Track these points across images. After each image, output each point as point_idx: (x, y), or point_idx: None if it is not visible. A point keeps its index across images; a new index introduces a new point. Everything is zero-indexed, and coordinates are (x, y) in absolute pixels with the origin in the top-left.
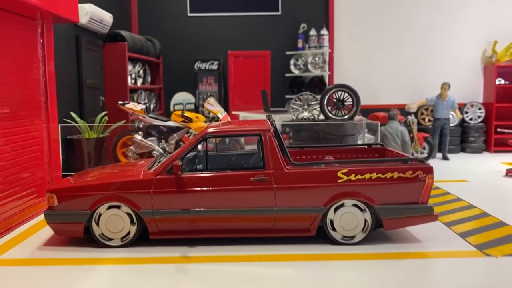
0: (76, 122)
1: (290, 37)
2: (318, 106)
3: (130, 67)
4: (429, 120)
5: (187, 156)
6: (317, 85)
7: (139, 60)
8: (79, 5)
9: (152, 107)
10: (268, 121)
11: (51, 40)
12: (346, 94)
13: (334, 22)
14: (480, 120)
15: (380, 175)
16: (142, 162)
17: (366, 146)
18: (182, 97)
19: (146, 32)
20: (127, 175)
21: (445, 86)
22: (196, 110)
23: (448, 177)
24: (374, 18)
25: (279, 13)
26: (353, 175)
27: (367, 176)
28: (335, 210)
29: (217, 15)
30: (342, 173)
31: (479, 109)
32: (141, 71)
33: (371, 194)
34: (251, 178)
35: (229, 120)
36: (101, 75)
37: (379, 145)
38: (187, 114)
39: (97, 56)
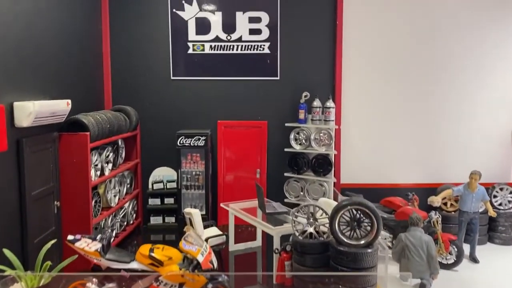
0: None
1: (290, 106)
2: (327, 221)
3: (95, 157)
4: (452, 205)
5: None
6: (322, 164)
7: (108, 143)
8: (22, 103)
9: (125, 189)
10: None
11: None
12: (363, 214)
13: (342, 93)
14: (511, 205)
15: None
16: None
17: None
18: (162, 173)
19: (121, 100)
20: None
21: (475, 176)
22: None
23: None
24: (387, 88)
25: (278, 78)
26: None
27: None
28: None
29: (205, 79)
30: None
31: (510, 192)
32: (111, 155)
33: None
34: None
35: (212, 258)
36: (55, 175)
37: None
38: (156, 254)
39: (50, 153)
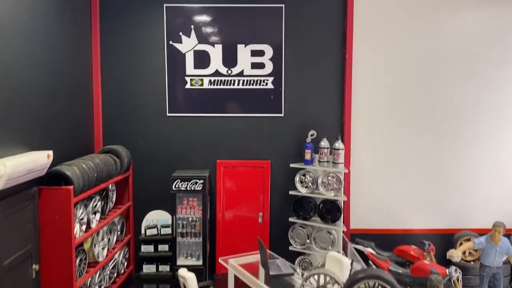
0: None
1: (296, 145)
2: None
3: (80, 211)
4: (470, 254)
5: None
6: (330, 211)
7: (96, 191)
8: None
9: (115, 237)
10: None
11: None
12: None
13: (352, 132)
14: None
15: None
16: None
17: None
18: (156, 217)
19: (113, 139)
20: None
21: (498, 229)
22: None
23: None
24: (400, 127)
25: (282, 115)
26: None
27: None
28: None
29: (203, 116)
30: None
31: None
32: (99, 204)
33: None
34: None
35: None
36: (34, 235)
37: None
38: None
39: (29, 211)
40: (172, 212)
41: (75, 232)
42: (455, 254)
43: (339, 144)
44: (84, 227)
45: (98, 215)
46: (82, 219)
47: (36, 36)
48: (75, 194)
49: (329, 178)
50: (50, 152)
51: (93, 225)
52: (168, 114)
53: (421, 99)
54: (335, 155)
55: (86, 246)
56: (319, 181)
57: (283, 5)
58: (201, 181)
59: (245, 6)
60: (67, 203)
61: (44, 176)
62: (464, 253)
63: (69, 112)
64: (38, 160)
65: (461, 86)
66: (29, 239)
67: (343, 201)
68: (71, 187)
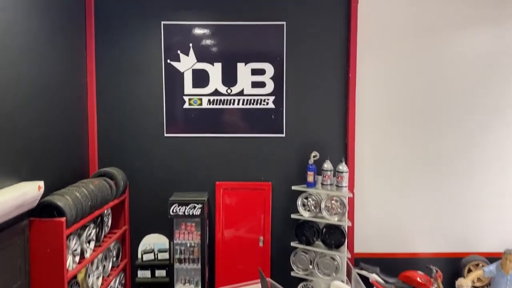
0: None
1: (298, 167)
2: None
3: (73, 242)
4: (479, 280)
5: None
6: (333, 236)
7: (90, 220)
8: None
9: (110, 264)
10: None
11: None
12: None
13: (356, 153)
14: None
15: None
16: None
17: None
18: (153, 241)
19: (109, 161)
20: None
21: (510, 257)
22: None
23: None
24: (406, 147)
25: (283, 135)
26: None
27: None
28: None
29: (202, 136)
30: None
31: None
32: (93, 232)
33: None
34: None
35: None
36: (24, 270)
37: None
38: None
39: (18, 246)
40: (170, 238)
41: (67, 265)
42: (464, 284)
43: (342, 167)
44: (77, 258)
45: (92, 244)
46: (75, 250)
47: (25, 56)
48: (67, 225)
49: (333, 202)
50: (41, 183)
51: (87, 254)
52: (166, 135)
53: (427, 120)
54: (339, 178)
55: (80, 276)
56: (322, 205)
57: (284, 23)
58: (200, 205)
59: (245, 23)
60: (59, 235)
61: (35, 208)
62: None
63: (62, 136)
64: (28, 193)
65: (469, 108)
66: (18, 276)
67: (347, 226)
68: (63, 218)
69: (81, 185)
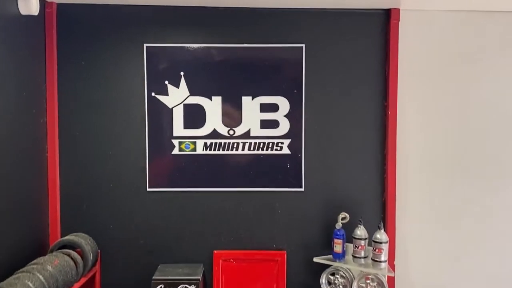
0: None
1: (321, 232)
2: None
3: None
4: None
5: None
6: None
7: None
8: None
9: None
10: None
11: None
12: None
13: (396, 217)
14: None
15: None
16: None
17: None
18: None
19: (75, 226)
20: None
21: None
22: None
23: None
24: (456, 202)
25: (302, 189)
26: None
27: None
28: None
29: (195, 191)
30: None
31: None
32: None
33: None
34: None
35: None
36: None
37: None
38: None
39: None
40: None
41: None
42: None
43: (381, 235)
44: None
45: None
46: None
47: None
48: None
49: (368, 282)
50: None
51: None
52: (148, 189)
53: (484, 164)
54: (377, 250)
55: None
56: (355, 285)
57: (303, 45)
58: (193, 286)
59: (252, 46)
60: None
61: None
62: None
63: (10, 198)
64: None
65: None
66: None
67: None
68: None
69: (36, 268)
